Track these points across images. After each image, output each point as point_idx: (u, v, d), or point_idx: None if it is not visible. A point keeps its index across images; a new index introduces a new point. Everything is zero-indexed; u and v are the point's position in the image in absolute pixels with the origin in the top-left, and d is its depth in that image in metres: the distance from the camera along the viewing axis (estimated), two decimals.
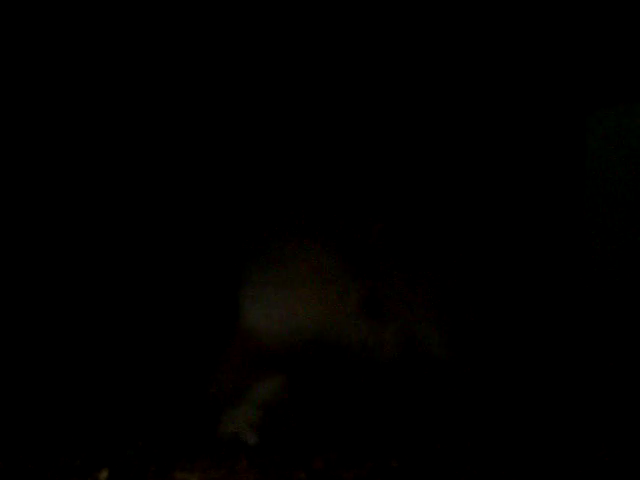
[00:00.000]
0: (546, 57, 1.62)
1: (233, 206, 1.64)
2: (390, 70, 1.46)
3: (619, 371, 1.69)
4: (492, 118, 1.60)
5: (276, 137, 1.47)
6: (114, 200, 1.66)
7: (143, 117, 1.64)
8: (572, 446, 1.33)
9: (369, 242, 1.40)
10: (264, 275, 1.45)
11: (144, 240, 1.66)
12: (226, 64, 1.58)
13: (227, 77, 1.59)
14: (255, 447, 1.23)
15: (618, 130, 1.79)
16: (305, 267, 1.42)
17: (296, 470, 1.20)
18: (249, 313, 1.44)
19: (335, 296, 1.40)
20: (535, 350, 1.66)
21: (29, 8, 1.56)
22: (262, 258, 1.45)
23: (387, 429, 1.36)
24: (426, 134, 1.45)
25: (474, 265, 1.52)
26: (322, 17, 1.48)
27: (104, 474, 1.19)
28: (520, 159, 1.73)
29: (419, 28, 1.49)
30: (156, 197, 1.66)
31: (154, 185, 1.66)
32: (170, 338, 1.65)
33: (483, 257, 1.55)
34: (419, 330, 1.42)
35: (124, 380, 1.59)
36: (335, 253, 1.41)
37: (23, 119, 1.62)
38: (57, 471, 1.21)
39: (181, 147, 1.65)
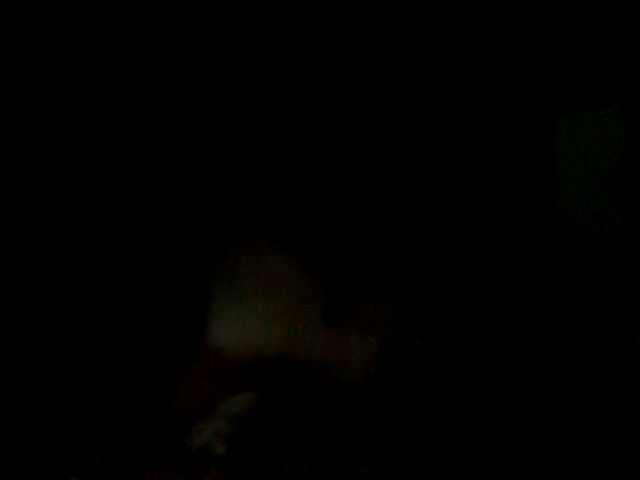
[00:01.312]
0: (520, 60, 1.63)
1: (193, 221, 1.63)
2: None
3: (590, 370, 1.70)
4: (459, 118, 1.60)
5: (230, 148, 1.47)
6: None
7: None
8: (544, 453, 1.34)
9: (331, 251, 1.39)
10: (226, 288, 1.44)
11: (103, 253, 1.66)
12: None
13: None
14: (224, 457, 1.23)
15: (586, 132, 1.81)
16: (267, 278, 1.41)
17: (264, 478, 1.20)
18: (214, 327, 1.44)
19: (298, 306, 1.40)
20: (511, 352, 1.67)
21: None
22: (223, 271, 1.45)
23: (356, 436, 1.36)
24: (389, 138, 1.44)
25: (442, 267, 1.52)
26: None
27: None
28: (490, 157, 1.74)
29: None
30: (116, 212, 1.65)
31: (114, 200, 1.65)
32: (139, 350, 1.65)
33: (451, 258, 1.56)
34: (387, 338, 1.42)
35: (92, 390, 1.58)
36: (297, 263, 1.40)
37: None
38: None
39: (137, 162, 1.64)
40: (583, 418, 1.49)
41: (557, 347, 1.78)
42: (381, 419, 1.41)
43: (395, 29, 1.50)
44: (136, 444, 1.37)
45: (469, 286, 1.63)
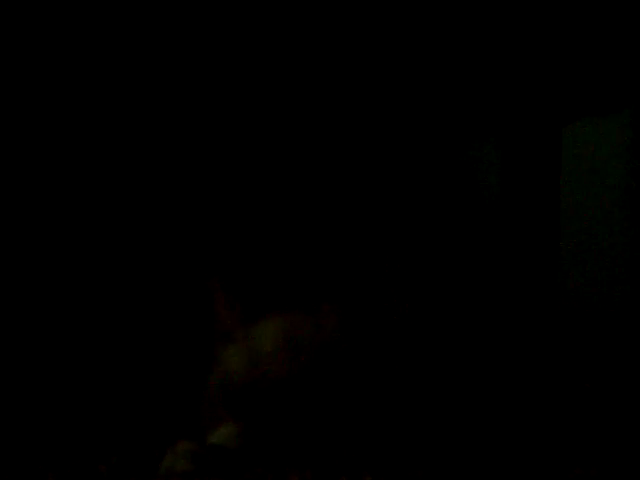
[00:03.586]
0: (525, 69, 1.63)
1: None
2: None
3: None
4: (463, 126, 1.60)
5: None
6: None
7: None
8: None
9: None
10: None
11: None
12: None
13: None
14: (188, 472, 1.25)
15: (593, 141, 1.80)
16: None
17: None
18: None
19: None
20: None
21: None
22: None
23: (360, 446, 1.36)
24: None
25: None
26: None
27: None
28: (493, 169, 1.74)
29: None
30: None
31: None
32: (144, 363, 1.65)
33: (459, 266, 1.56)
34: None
35: (97, 400, 1.58)
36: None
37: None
38: None
39: None
40: (585, 422, 1.48)
41: (561, 351, 1.77)
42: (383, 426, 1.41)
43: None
44: (141, 452, 1.38)
45: (476, 293, 1.63)
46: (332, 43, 1.49)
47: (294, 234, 1.45)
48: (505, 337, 1.64)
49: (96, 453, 1.38)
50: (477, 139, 1.71)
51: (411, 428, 1.41)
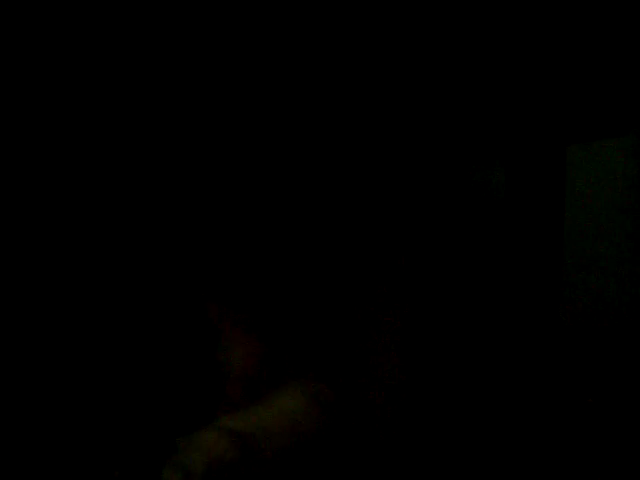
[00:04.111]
0: (529, 89, 1.64)
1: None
2: None
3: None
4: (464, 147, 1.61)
5: None
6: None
7: None
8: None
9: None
10: None
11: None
12: None
13: None
14: None
15: (596, 161, 1.82)
16: None
17: None
18: None
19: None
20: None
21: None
22: None
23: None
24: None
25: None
26: None
27: None
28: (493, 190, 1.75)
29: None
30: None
31: None
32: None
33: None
34: None
35: (98, 413, 1.59)
36: None
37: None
38: None
39: None
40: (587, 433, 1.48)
41: (564, 366, 1.77)
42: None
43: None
44: (141, 466, 1.38)
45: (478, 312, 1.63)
46: (341, 68, 1.51)
47: (291, 249, 1.46)
48: (510, 357, 1.65)
49: (96, 468, 1.38)
50: (483, 159, 1.73)
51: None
